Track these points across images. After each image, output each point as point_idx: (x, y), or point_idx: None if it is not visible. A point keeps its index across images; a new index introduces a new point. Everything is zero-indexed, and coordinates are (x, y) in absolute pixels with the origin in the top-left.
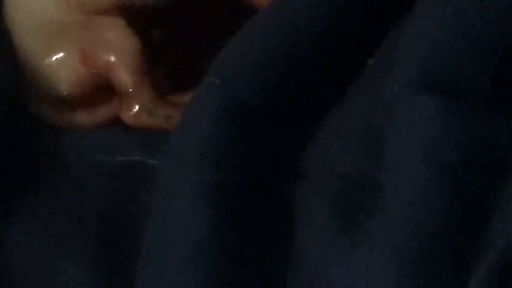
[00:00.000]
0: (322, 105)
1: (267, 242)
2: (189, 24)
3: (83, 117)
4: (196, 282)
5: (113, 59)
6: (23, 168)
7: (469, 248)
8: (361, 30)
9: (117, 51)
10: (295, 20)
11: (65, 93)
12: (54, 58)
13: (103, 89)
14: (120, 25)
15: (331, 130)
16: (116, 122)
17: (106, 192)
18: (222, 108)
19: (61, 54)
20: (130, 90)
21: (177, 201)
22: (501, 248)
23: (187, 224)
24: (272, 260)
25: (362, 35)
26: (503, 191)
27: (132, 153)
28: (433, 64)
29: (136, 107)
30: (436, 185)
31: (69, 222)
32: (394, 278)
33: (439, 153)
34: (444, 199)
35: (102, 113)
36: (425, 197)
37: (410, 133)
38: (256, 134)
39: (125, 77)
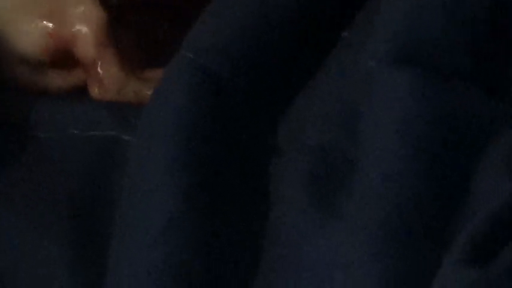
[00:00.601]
0: (296, 79)
1: (241, 217)
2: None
3: (57, 81)
4: (169, 256)
5: (78, 32)
6: None
7: (444, 223)
8: (335, 3)
9: (83, 25)
10: None
11: (36, 59)
12: (24, 25)
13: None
14: None
15: (306, 105)
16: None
17: (79, 168)
18: (194, 82)
19: (30, 22)
20: (96, 62)
21: (150, 175)
22: (476, 223)
23: (160, 198)
24: (245, 235)
25: (336, 7)
26: (478, 166)
27: (106, 128)
28: (407, 37)
29: (104, 81)
30: (410, 161)
31: (41, 198)
32: (366, 253)
33: (413, 128)
34: (418, 175)
35: (76, 76)
36: (399, 173)
37: (385, 108)
38: (228, 107)
39: (90, 50)
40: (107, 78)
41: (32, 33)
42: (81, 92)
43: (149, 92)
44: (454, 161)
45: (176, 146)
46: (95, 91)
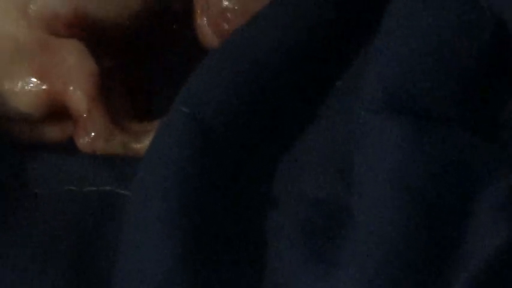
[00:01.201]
0: (290, 130)
1: (237, 270)
2: (148, 54)
3: (53, 132)
4: None
5: (68, 83)
6: None
7: (440, 272)
8: (327, 54)
9: (73, 76)
10: (259, 46)
11: (30, 114)
12: (15, 80)
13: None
14: (78, 48)
15: (301, 155)
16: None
17: (76, 224)
18: (189, 137)
19: (21, 77)
20: (85, 116)
21: (145, 229)
22: (472, 270)
23: (155, 253)
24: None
25: (329, 58)
26: (473, 211)
27: (102, 183)
28: (398, 86)
29: (92, 133)
30: (404, 209)
31: (38, 255)
32: None
33: (407, 176)
34: (413, 222)
35: (71, 127)
36: (393, 221)
37: (378, 157)
38: (224, 161)
39: (80, 102)
40: (95, 130)
41: (25, 92)
42: (76, 147)
43: (136, 145)
44: (448, 207)
45: (171, 201)
46: (82, 143)
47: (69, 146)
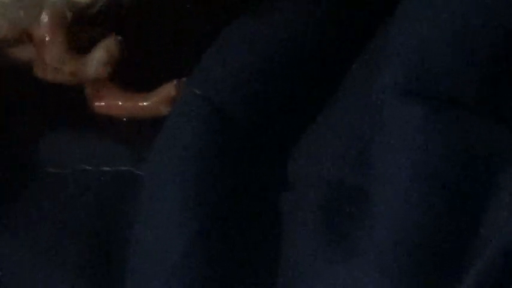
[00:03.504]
0: (306, 112)
1: (254, 252)
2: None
3: (20, 53)
4: None
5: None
6: (7, 178)
7: (457, 258)
8: (344, 36)
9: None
10: (274, 27)
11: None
12: None
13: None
14: None
15: (317, 138)
16: (103, 130)
17: (91, 203)
18: (203, 118)
19: None
20: (45, 43)
21: (162, 210)
22: (489, 257)
23: (172, 234)
24: (258, 272)
25: (345, 40)
26: (492, 199)
27: (118, 163)
28: (418, 70)
29: (46, 60)
30: (424, 194)
31: (54, 234)
32: None
33: (426, 162)
34: (432, 209)
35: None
36: (412, 208)
37: (397, 141)
38: (239, 143)
39: (43, 30)
40: (49, 58)
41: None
42: (92, 127)
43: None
44: (468, 194)
45: (186, 182)
46: (37, 70)
47: (83, 126)
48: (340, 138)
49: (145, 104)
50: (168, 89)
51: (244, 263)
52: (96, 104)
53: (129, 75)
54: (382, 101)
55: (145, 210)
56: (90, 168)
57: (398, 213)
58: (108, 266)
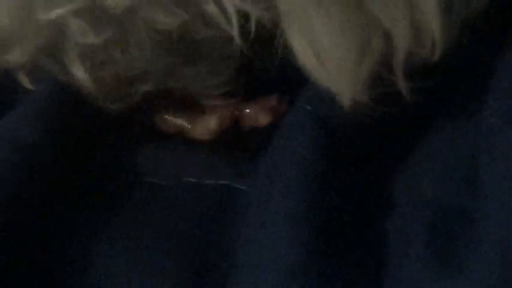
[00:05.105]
0: (412, 132)
1: (359, 271)
2: None
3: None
4: None
5: None
6: (109, 187)
7: None
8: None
9: None
10: None
11: None
12: None
13: None
14: None
15: (424, 159)
16: (202, 144)
17: (193, 215)
18: (314, 133)
19: None
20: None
21: (270, 224)
22: None
23: (280, 248)
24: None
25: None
26: None
27: (220, 177)
28: None
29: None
30: None
31: (155, 242)
32: None
33: None
34: None
35: None
36: None
37: (506, 164)
38: (346, 158)
39: None
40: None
41: None
42: (193, 139)
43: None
44: None
45: (297, 198)
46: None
47: (183, 139)
48: (445, 158)
49: (246, 111)
50: (269, 100)
51: (349, 280)
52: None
53: None
54: (493, 124)
55: (251, 224)
56: (193, 180)
57: (505, 234)
58: (207, 279)
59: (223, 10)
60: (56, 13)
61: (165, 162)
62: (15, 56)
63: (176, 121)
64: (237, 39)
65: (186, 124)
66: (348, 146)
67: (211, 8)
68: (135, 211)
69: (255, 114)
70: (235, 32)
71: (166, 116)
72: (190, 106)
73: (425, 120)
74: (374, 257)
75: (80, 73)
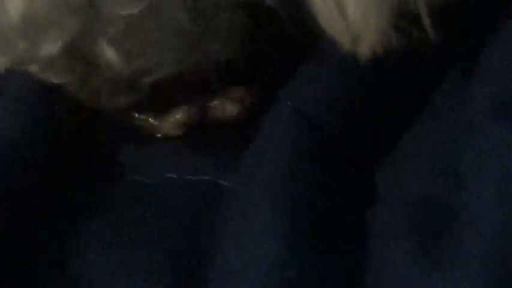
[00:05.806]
0: (397, 128)
1: (345, 264)
2: None
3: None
4: None
5: None
6: (90, 186)
7: None
8: (436, 56)
9: None
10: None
11: None
12: None
13: None
14: None
15: (408, 153)
16: (186, 140)
17: (176, 211)
18: (295, 130)
19: None
20: None
21: (253, 220)
22: None
23: (263, 243)
24: (350, 283)
25: (436, 60)
26: None
27: (202, 173)
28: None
29: None
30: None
31: (138, 241)
32: None
33: None
34: None
35: None
36: (504, 229)
37: (488, 163)
38: (329, 156)
39: None
40: None
41: None
42: (174, 136)
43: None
44: None
45: (279, 194)
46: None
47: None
48: (431, 156)
49: (214, 102)
50: (236, 91)
51: (333, 272)
52: None
53: None
54: (477, 123)
55: (235, 219)
56: (175, 176)
57: (486, 233)
58: (190, 273)
59: None
60: None
61: (147, 160)
62: (49, 46)
63: (143, 118)
64: None
65: (153, 120)
66: (333, 143)
67: None
68: (117, 209)
69: (223, 106)
70: None
71: (133, 114)
72: (157, 102)
73: (411, 118)
74: (358, 252)
75: (112, 56)
